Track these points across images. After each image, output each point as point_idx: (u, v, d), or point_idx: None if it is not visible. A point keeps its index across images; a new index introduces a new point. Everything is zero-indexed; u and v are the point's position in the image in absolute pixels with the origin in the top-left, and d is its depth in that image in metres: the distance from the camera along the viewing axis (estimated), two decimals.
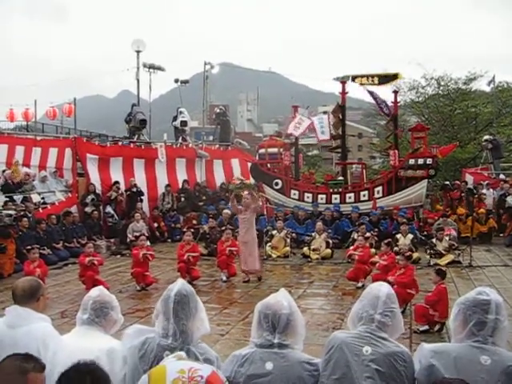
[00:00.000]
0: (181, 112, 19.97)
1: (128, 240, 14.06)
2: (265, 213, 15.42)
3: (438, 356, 2.74)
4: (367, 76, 15.93)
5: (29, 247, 10.13)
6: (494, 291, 2.86)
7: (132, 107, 19.12)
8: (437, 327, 7.00)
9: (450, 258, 11.75)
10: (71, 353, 2.62)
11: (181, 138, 19.66)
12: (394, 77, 16.15)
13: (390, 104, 16.15)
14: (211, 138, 25.65)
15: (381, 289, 2.93)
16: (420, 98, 29.12)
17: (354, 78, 16.02)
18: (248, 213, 10.21)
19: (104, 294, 3.25)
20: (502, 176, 18.05)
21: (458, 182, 17.68)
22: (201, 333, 2.95)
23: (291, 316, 2.86)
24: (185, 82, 25.64)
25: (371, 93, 16.07)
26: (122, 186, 15.71)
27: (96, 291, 3.27)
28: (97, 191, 15.08)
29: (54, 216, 13.29)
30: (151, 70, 23.68)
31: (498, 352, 2.69)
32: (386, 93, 16.62)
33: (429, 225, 14.03)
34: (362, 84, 15.93)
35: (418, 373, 2.77)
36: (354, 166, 22.05)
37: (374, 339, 2.79)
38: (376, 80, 15.84)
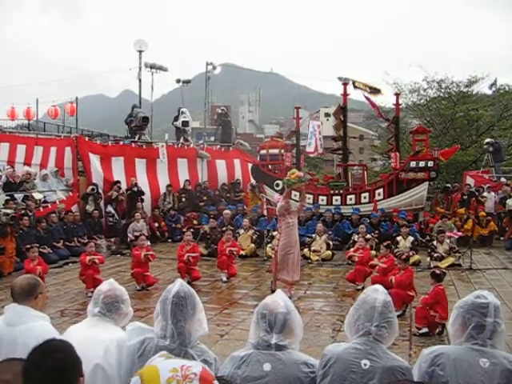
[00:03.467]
0: (182, 112, 19.97)
1: (128, 240, 14.07)
2: (265, 214, 15.43)
3: (438, 359, 2.73)
4: (363, 84, 16.13)
5: (28, 246, 10.13)
6: (492, 294, 2.86)
7: (132, 108, 19.11)
8: (437, 330, 6.98)
9: (450, 260, 11.76)
10: (81, 341, 2.66)
11: (182, 139, 19.66)
12: (377, 91, 16.46)
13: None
14: (212, 138, 25.66)
15: (377, 297, 2.83)
16: (421, 101, 29.07)
17: (354, 83, 16.18)
18: (293, 215, 9.14)
19: (115, 288, 3.30)
20: (503, 179, 18.03)
21: (457, 184, 17.69)
22: (199, 334, 2.94)
23: (288, 315, 2.84)
24: (186, 82, 25.65)
25: (367, 98, 16.47)
26: (124, 186, 15.72)
27: (107, 285, 3.32)
28: (99, 190, 15.08)
29: (54, 215, 13.29)
30: (153, 70, 23.70)
31: (496, 355, 2.69)
32: (387, 95, 16.82)
33: (431, 229, 13.95)
34: (359, 89, 16.12)
35: (419, 377, 2.76)
36: (355, 167, 22.02)
37: (372, 351, 2.74)
38: (367, 89, 16.11)
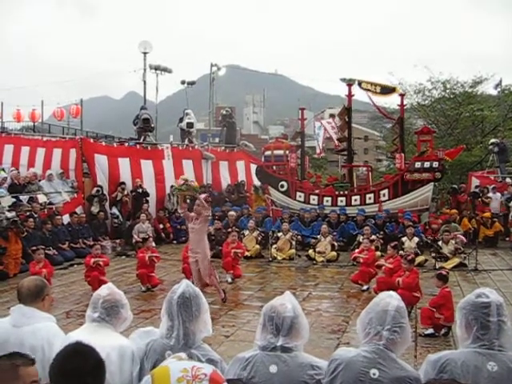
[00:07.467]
0: (187, 114, 20.01)
1: (133, 241, 14.08)
2: (270, 215, 15.45)
3: (445, 365, 2.70)
4: (371, 83, 16.09)
5: (34, 248, 10.12)
6: (494, 292, 2.79)
7: (140, 110, 19.16)
8: (443, 331, 6.95)
9: (455, 261, 11.72)
10: None
11: (187, 140, 19.69)
12: (392, 90, 16.48)
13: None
14: (217, 139, 25.71)
15: (390, 302, 2.78)
16: (426, 101, 29.02)
17: (360, 83, 16.18)
18: (198, 222, 8.58)
19: (114, 293, 3.25)
20: (508, 180, 17.96)
21: (463, 185, 17.65)
22: (203, 335, 2.96)
23: (295, 319, 2.84)
24: (191, 83, 25.65)
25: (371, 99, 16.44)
26: (129, 187, 15.74)
27: (105, 290, 3.27)
28: (103, 192, 15.10)
29: (59, 216, 13.32)
30: (158, 72, 23.74)
31: (504, 358, 2.64)
32: (392, 96, 16.80)
33: (433, 230, 13.89)
34: (366, 89, 16.09)
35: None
36: (360, 168, 22.00)
37: (381, 361, 2.67)
38: (378, 89, 16.11)
